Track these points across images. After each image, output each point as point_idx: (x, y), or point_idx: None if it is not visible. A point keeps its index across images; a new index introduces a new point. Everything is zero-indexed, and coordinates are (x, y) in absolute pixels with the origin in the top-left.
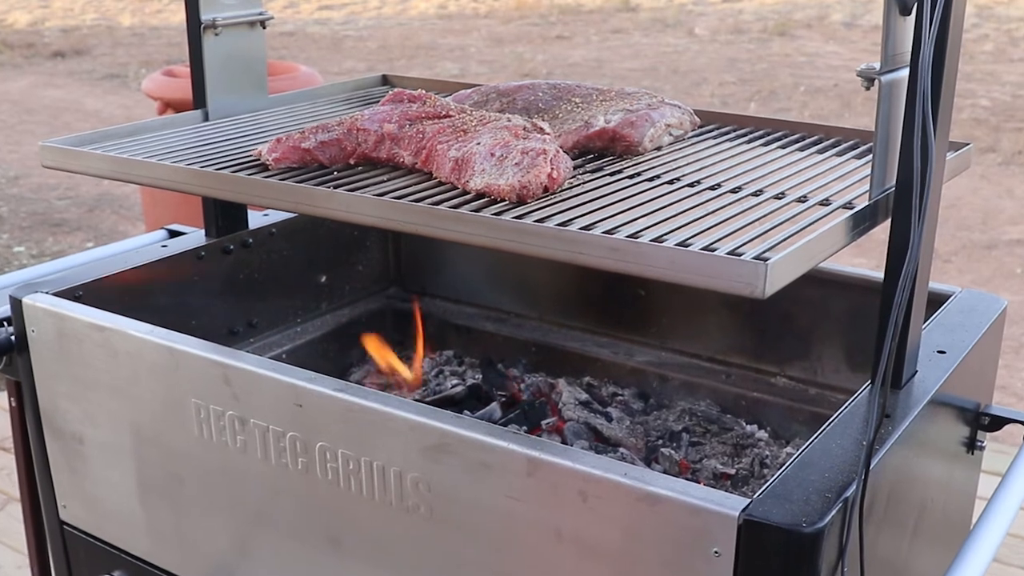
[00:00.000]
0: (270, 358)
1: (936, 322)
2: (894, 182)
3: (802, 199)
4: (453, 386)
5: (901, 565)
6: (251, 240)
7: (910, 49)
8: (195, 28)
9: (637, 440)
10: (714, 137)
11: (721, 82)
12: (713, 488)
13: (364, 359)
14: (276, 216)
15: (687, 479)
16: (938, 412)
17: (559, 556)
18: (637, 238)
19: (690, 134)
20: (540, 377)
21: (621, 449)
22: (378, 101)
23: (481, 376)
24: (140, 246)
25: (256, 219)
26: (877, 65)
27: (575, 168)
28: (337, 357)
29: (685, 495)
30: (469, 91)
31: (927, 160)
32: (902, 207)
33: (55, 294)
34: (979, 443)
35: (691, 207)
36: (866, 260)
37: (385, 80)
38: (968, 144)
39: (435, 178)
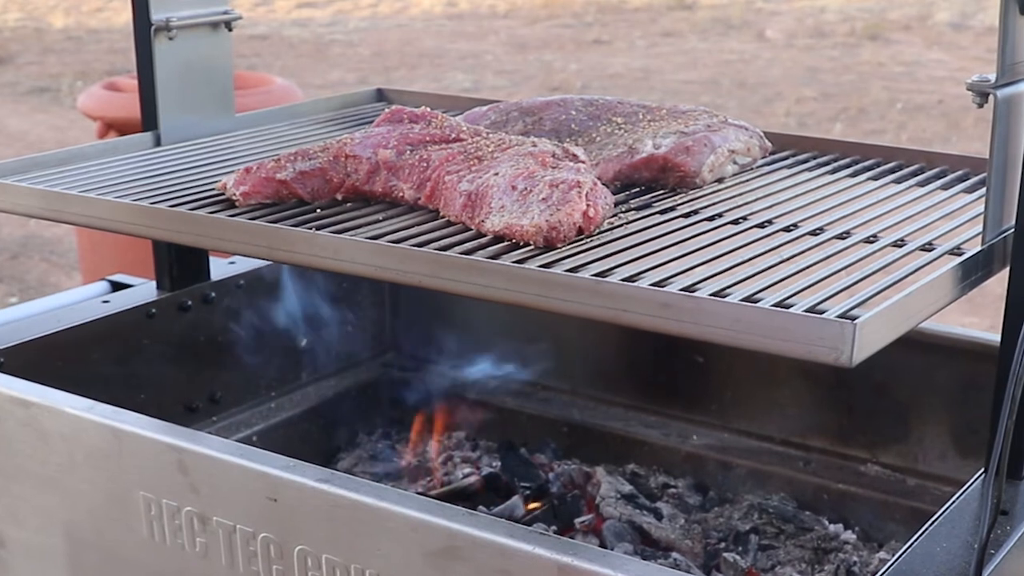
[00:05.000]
0: (237, 440)
1: None
2: (1013, 222)
3: (899, 243)
4: (465, 475)
5: None
6: (214, 294)
7: None
8: (144, 30)
9: (694, 543)
10: (789, 166)
11: (798, 98)
12: None
13: (354, 442)
14: (245, 264)
15: None
16: None
17: None
18: (693, 291)
19: (760, 162)
20: (573, 464)
21: (674, 554)
22: (372, 121)
23: (500, 463)
24: (76, 302)
25: (220, 268)
26: (992, 77)
27: (617, 204)
28: (321, 440)
29: None
30: (485, 109)
31: None
32: (1023, 252)
33: None
34: None
35: (760, 253)
36: (979, 319)
37: (381, 95)
38: None
39: (442, 217)
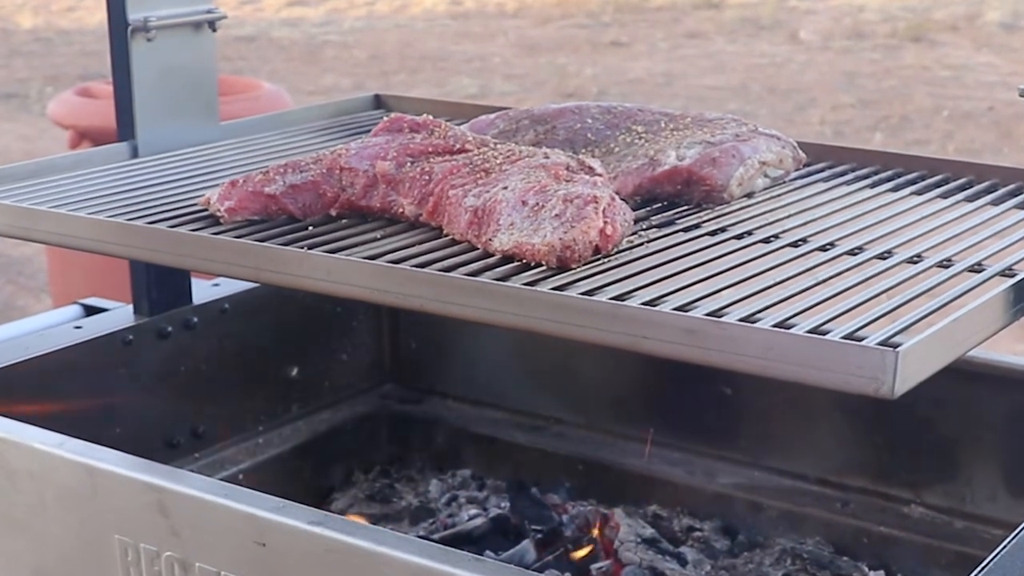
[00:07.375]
0: (222, 479)
1: None
2: None
3: (945, 263)
4: (471, 517)
5: None
6: (196, 319)
7: None
8: (120, 31)
9: None
10: (825, 179)
11: (835, 104)
12: None
13: (349, 481)
14: (230, 287)
15: None
16: None
17: None
18: (720, 316)
19: (793, 175)
20: (589, 505)
21: None
22: (369, 130)
23: (509, 504)
24: (45, 327)
25: (203, 291)
26: None
27: (636, 221)
28: (313, 478)
29: None
30: (492, 117)
31: None
32: None
33: None
34: None
35: (794, 275)
36: None
37: (378, 102)
38: None
39: (446, 235)
